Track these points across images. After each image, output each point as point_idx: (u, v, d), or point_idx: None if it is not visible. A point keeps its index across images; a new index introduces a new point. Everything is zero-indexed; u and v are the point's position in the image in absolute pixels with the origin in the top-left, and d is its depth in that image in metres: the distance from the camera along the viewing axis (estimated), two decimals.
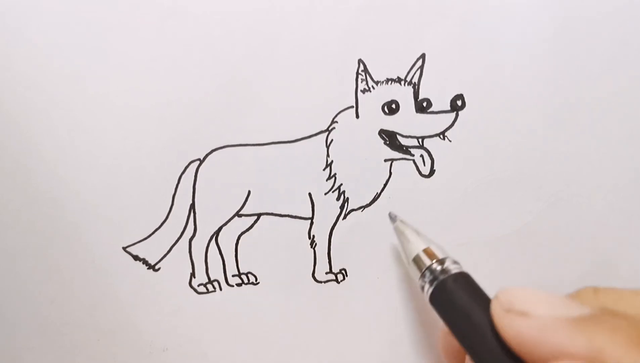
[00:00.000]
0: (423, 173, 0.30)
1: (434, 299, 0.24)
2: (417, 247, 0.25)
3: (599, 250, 0.31)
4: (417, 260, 0.25)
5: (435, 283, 0.24)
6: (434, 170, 0.30)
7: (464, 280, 0.23)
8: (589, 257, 0.31)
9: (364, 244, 0.31)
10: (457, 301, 0.22)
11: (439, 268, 0.24)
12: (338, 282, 0.31)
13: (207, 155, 0.29)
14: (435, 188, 0.30)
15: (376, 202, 0.30)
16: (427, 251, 0.25)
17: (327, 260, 0.31)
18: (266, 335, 0.31)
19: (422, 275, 0.24)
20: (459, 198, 0.30)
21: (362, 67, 0.29)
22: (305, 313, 0.31)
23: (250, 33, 0.28)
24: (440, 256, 0.25)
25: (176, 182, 0.29)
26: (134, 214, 0.29)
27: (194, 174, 0.29)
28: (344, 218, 0.30)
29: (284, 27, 0.28)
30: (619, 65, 0.30)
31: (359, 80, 0.29)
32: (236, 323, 0.31)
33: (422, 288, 0.24)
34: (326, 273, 0.31)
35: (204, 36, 0.28)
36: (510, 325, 0.18)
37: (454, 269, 0.24)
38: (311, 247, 0.31)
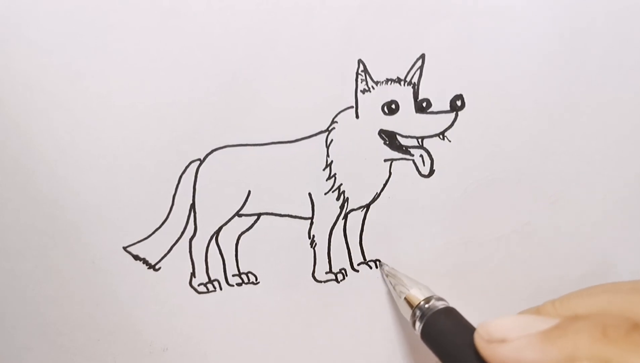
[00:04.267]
0: (423, 173, 0.30)
1: (424, 334, 0.25)
2: (407, 288, 0.28)
3: (599, 250, 0.31)
4: (407, 300, 0.27)
5: (424, 319, 0.25)
6: (434, 170, 0.30)
7: (450, 314, 0.25)
8: (589, 257, 0.32)
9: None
10: (444, 334, 0.24)
11: (426, 305, 0.26)
12: (338, 282, 0.31)
13: (207, 155, 0.29)
14: (435, 188, 0.30)
15: (376, 202, 0.30)
16: (415, 292, 0.27)
17: (327, 260, 0.31)
18: (266, 335, 0.31)
19: (413, 313, 0.26)
20: (458, 198, 0.30)
21: (362, 68, 0.29)
22: (305, 313, 0.31)
23: (251, 33, 0.28)
24: (427, 295, 0.27)
25: (176, 182, 0.29)
26: (134, 214, 0.29)
27: (194, 174, 0.29)
28: (344, 218, 0.30)
29: (284, 26, 0.28)
30: (619, 65, 0.30)
31: (359, 80, 0.29)
32: (236, 323, 0.31)
33: (414, 325, 0.26)
34: (326, 272, 0.31)
35: (204, 36, 0.28)
36: (493, 354, 0.20)
37: (440, 305, 0.26)
38: (311, 247, 0.31)
